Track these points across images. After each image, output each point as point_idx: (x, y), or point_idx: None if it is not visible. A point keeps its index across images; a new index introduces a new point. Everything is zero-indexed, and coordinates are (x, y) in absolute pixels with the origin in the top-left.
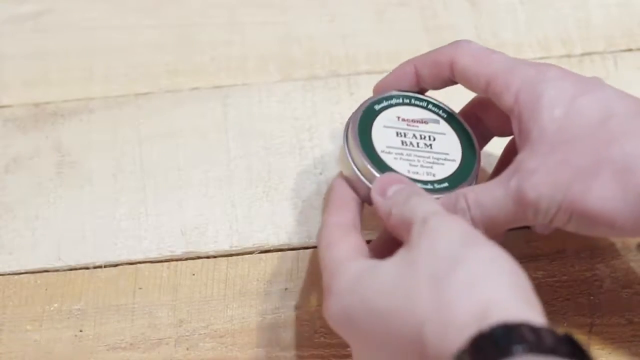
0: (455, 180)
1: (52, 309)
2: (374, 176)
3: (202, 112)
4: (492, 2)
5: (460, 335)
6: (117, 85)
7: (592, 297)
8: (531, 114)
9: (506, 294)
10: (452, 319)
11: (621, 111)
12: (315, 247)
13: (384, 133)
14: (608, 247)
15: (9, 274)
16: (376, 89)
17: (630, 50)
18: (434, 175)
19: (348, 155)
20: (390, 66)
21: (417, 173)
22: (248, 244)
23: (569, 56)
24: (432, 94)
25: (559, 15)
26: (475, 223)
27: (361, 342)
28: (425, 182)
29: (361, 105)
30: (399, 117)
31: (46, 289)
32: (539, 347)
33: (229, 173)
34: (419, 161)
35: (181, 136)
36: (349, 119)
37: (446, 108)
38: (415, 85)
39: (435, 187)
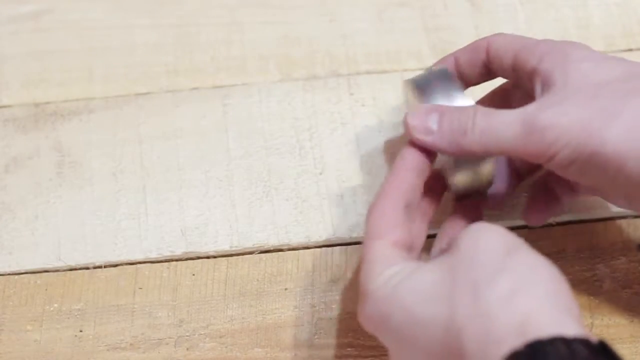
0: None
1: (52, 309)
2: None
3: (202, 112)
4: (492, 2)
5: (498, 349)
6: (117, 85)
7: (592, 297)
8: (557, 67)
9: (545, 305)
10: (490, 332)
11: None
12: (314, 247)
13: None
14: (608, 247)
15: (9, 274)
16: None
17: (630, 50)
18: None
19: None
20: (390, 66)
21: None
22: (248, 244)
23: None
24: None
25: (559, 15)
26: (480, 140)
27: (399, 346)
28: None
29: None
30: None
31: (46, 289)
32: None
33: (229, 173)
34: None
35: (181, 136)
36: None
37: None
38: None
39: None
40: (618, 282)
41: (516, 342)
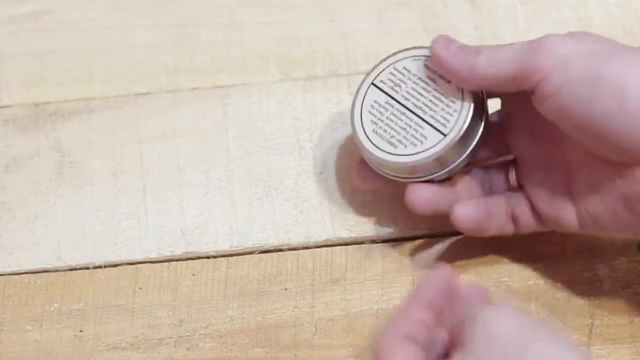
0: None
1: (52, 309)
2: None
3: (202, 112)
4: (492, 2)
5: None
6: (117, 85)
7: (592, 297)
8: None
9: None
10: None
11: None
12: (314, 247)
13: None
14: (608, 247)
15: (9, 274)
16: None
17: None
18: None
19: None
20: None
21: None
22: (248, 244)
23: None
24: None
25: (559, 15)
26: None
27: None
28: None
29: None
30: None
31: (46, 289)
32: None
33: (229, 173)
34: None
35: (181, 136)
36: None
37: None
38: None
39: None
40: (618, 282)
41: None
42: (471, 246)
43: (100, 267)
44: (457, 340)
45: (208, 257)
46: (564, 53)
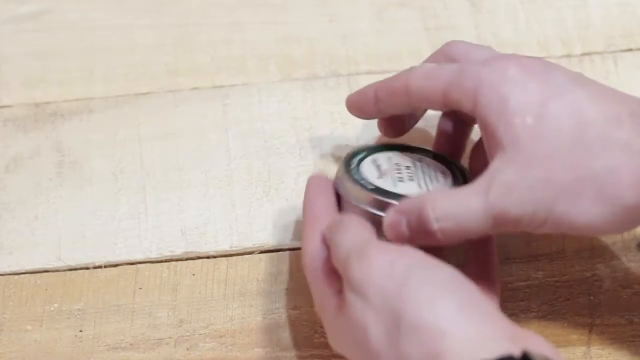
0: None
1: (52, 309)
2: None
3: (202, 112)
4: (492, 2)
5: None
6: (117, 85)
7: (592, 297)
8: (499, 118)
9: (456, 329)
10: None
11: (596, 118)
12: None
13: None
14: (608, 247)
15: (9, 274)
16: (347, 103)
17: (630, 50)
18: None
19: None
20: (390, 66)
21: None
22: (248, 244)
23: (569, 56)
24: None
25: (559, 15)
26: (443, 234)
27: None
28: None
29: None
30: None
31: (46, 289)
32: None
33: (229, 173)
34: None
35: (181, 136)
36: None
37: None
38: (374, 109)
39: None
40: (618, 282)
41: None
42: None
43: (100, 267)
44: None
45: (208, 257)
46: (537, 206)
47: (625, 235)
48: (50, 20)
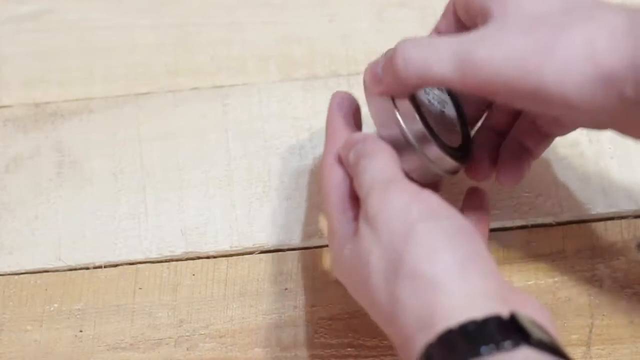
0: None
1: (52, 309)
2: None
3: (202, 112)
4: None
5: (415, 345)
6: (117, 85)
7: (592, 297)
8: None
9: (452, 284)
10: (402, 328)
11: (583, 3)
12: (314, 247)
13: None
14: (608, 247)
15: (9, 274)
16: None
17: None
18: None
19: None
20: None
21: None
22: (248, 244)
23: None
24: None
25: None
26: (407, 72)
27: (351, 293)
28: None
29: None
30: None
31: (46, 289)
32: (480, 348)
33: (229, 173)
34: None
35: (181, 136)
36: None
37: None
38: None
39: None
40: (618, 282)
41: (429, 335)
42: None
43: (100, 267)
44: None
45: (208, 257)
46: (507, 57)
47: (625, 235)
48: (50, 20)
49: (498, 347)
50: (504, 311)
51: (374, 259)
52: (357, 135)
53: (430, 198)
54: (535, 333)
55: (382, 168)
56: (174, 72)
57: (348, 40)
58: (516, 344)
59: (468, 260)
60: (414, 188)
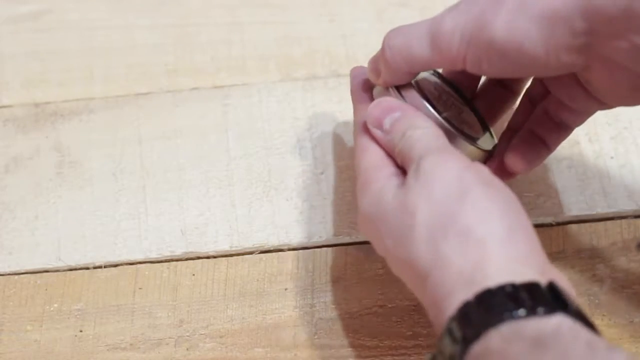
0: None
1: (52, 309)
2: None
3: (202, 112)
4: None
5: (449, 303)
6: (117, 85)
7: (592, 297)
8: None
9: (498, 248)
10: (439, 285)
11: None
12: (314, 247)
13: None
14: (608, 247)
15: (9, 274)
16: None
17: None
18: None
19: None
20: None
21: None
22: (248, 244)
23: None
24: None
25: None
26: (392, 55)
27: (380, 246)
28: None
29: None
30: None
31: (46, 289)
32: (514, 311)
33: (229, 173)
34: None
35: (181, 136)
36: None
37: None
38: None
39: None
40: (618, 282)
41: (468, 293)
42: None
43: (100, 267)
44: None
45: (208, 257)
46: (467, 19)
47: (625, 235)
48: (50, 20)
49: (533, 312)
50: (542, 280)
51: (423, 212)
52: (388, 102)
53: (484, 168)
54: (572, 302)
55: (435, 136)
56: (174, 72)
57: (348, 40)
58: (551, 310)
59: (517, 228)
60: (467, 159)
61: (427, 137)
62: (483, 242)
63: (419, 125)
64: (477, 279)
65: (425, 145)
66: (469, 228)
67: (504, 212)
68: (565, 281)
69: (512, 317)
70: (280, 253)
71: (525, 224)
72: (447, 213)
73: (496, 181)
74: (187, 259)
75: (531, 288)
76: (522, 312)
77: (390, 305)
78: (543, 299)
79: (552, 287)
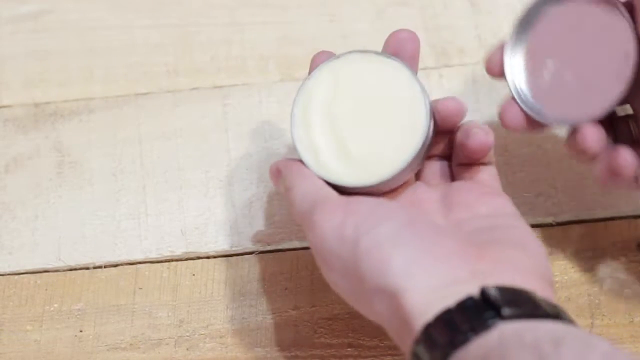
0: None
1: (52, 309)
2: None
3: (202, 112)
4: (492, 2)
5: (406, 347)
6: (117, 85)
7: (592, 297)
8: None
9: (415, 286)
10: (392, 335)
11: None
12: None
13: None
14: (608, 247)
15: (9, 274)
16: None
17: None
18: None
19: None
20: None
21: None
22: (248, 244)
23: None
24: None
25: None
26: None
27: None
28: None
29: None
30: None
31: (46, 289)
32: (455, 340)
33: (229, 173)
34: None
35: (181, 136)
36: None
37: None
38: None
39: None
40: (618, 282)
41: (412, 336)
42: None
43: (100, 267)
44: None
45: (208, 257)
46: None
47: (625, 235)
48: (50, 20)
49: (474, 333)
50: (474, 290)
51: (340, 284)
52: (278, 164)
53: (360, 205)
54: (505, 305)
55: (302, 197)
56: (174, 72)
57: (348, 40)
58: (490, 323)
59: (422, 254)
60: (338, 204)
61: (296, 201)
62: (395, 289)
63: (287, 186)
64: (412, 324)
65: (300, 212)
66: (377, 284)
67: (399, 247)
68: (503, 267)
69: (455, 348)
70: (280, 253)
71: (428, 239)
72: (355, 278)
73: (380, 211)
74: (187, 259)
75: (464, 306)
76: (461, 338)
77: None
78: (478, 314)
79: (485, 293)
